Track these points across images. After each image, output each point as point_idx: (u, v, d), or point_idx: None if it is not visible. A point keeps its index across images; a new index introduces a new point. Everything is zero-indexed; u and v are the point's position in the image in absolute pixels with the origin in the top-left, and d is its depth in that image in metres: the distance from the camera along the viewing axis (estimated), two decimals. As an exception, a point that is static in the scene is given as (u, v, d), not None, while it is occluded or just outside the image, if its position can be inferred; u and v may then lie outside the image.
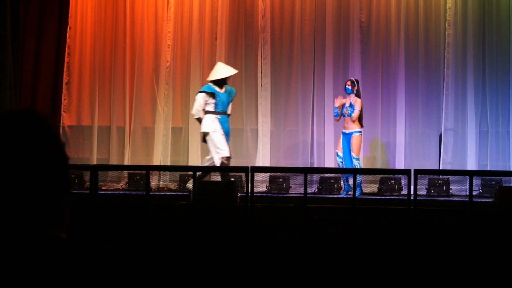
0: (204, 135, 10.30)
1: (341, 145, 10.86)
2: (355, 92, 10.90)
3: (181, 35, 12.61)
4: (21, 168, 1.46)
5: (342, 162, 10.84)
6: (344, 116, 10.90)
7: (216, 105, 10.28)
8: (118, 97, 12.52)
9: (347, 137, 10.81)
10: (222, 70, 10.48)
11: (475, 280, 7.05)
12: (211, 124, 10.22)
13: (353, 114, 10.78)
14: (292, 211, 8.53)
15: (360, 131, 10.88)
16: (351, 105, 10.83)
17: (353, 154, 10.73)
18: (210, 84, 10.37)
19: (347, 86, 10.94)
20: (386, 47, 12.29)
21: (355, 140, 10.78)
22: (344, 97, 11.03)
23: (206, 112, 10.27)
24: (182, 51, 12.59)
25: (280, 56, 12.45)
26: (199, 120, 10.38)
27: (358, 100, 10.90)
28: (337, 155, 10.91)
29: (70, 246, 1.49)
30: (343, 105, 10.92)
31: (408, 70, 12.20)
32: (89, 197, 8.22)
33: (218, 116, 10.30)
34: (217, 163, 10.18)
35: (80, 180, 11.09)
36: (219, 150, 10.14)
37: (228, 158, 10.16)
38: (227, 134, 10.25)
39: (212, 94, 10.30)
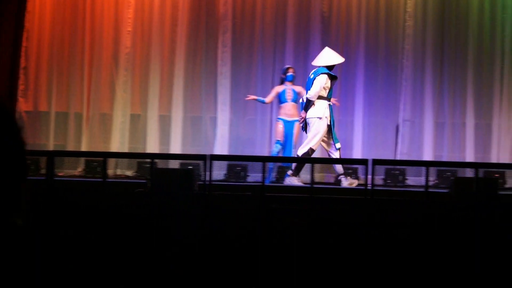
0: (308, 121, 10.07)
1: (283, 132, 10.83)
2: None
3: (141, 21, 12.51)
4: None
5: (282, 150, 10.83)
6: (285, 102, 10.88)
7: (330, 90, 10.08)
8: (76, 83, 12.39)
9: (291, 124, 10.82)
10: (336, 56, 10.24)
11: (431, 268, 7.15)
12: (324, 111, 9.97)
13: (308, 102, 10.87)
14: (250, 200, 8.54)
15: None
16: (294, 92, 10.86)
17: (294, 142, 10.79)
18: (325, 68, 10.13)
19: (291, 73, 10.95)
20: (346, 37, 12.35)
21: (297, 127, 10.85)
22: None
23: (318, 97, 9.99)
24: (142, 38, 12.50)
25: (241, 45, 12.43)
26: (310, 104, 10.05)
27: (301, 87, 11.00)
28: (279, 142, 10.86)
29: (25, 232, 1.47)
30: (281, 92, 10.91)
31: (368, 60, 12.27)
32: (45, 183, 8.13)
33: (330, 103, 10.13)
34: (299, 153, 10.06)
35: (36, 166, 10.96)
36: (313, 141, 9.99)
37: (312, 151, 10.02)
38: (333, 123, 10.08)
39: (334, 78, 10.13)
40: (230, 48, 12.36)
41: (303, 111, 10.10)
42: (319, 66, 10.16)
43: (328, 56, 10.24)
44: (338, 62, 10.23)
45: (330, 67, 10.13)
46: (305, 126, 10.15)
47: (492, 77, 12.14)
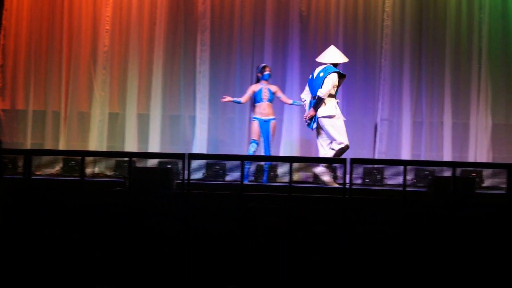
0: (319, 120, 9.98)
1: (259, 132, 10.81)
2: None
3: (119, 20, 12.47)
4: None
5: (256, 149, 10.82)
6: (260, 101, 10.86)
7: (337, 89, 10.03)
8: (53, 81, 12.34)
9: (267, 123, 10.82)
10: (341, 55, 10.23)
11: (409, 266, 7.19)
12: (335, 109, 9.93)
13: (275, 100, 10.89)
14: (228, 199, 8.54)
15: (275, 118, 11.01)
16: (270, 92, 10.86)
17: (270, 141, 10.81)
18: (333, 67, 10.08)
19: (268, 72, 10.92)
20: (325, 37, 12.36)
21: (273, 126, 10.86)
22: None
23: (328, 96, 9.94)
24: (120, 36, 12.46)
25: (220, 43, 12.42)
26: (320, 102, 9.99)
27: (276, 87, 11.01)
28: (255, 142, 10.83)
29: (2, 231, 1.47)
30: (257, 92, 10.89)
31: (346, 59, 12.30)
32: (22, 182, 8.09)
33: (339, 101, 10.11)
34: (334, 148, 9.98)
35: (14, 165, 10.90)
36: (342, 138, 9.93)
37: (347, 147, 10.00)
38: None
39: (343, 76, 10.11)
40: (208, 47, 12.35)
41: (311, 109, 10.05)
42: (326, 64, 10.12)
43: (334, 54, 10.24)
44: (343, 61, 10.27)
45: (335, 65, 10.13)
46: (311, 124, 10.14)
47: (470, 76, 12.21)
